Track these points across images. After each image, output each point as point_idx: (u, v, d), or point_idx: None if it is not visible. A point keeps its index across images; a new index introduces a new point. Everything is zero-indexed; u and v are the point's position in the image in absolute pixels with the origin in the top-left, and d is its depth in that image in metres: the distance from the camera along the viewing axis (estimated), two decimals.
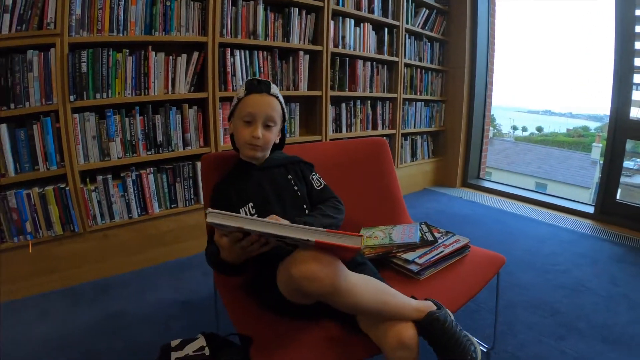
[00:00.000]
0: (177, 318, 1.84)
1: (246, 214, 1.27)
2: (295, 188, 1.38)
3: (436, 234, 1.59)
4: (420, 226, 1.65)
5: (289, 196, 1.35)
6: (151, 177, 2.29)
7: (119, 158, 2.18)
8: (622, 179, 3.39)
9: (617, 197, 3.41)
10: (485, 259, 1.53)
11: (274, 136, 1.36)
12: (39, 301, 1.95)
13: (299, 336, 1.11)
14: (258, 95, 1.30)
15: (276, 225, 0.93)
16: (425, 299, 1.13)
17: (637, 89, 3.19)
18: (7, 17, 1.82)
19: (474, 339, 1.08)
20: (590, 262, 2.54)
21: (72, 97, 1.99)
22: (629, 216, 3.30)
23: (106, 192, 2.14)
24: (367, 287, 1.04)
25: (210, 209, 0.91)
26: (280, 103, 1.36)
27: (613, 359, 1.62)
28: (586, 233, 3.12)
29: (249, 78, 1.31)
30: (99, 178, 2.12)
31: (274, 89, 1.35)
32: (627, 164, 3.45)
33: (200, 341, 1.11)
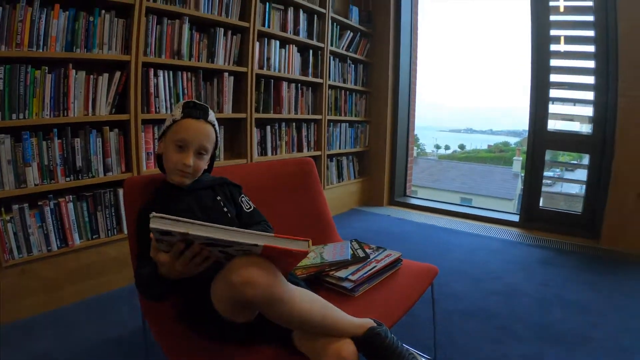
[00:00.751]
0: (107, 355, 1.90)
1: None
2: (225, 209, 1.48)
3: (367, 250, 1.78)
4: (351, 243, 1.84)
5: (219, 218, 1.43)
6: (70, 205, 2.34)
7: (35, 185, 2.22)
8: (545, 188, 3.97)
9: (540, 204, 3.97)
10: (418, 271, 1.73)
11: (204, 164, 1.46)
12: None
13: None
14: (194, 121, 1.39)
15: (224, 230, 0.98)
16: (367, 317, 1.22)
17: (552, 103, 3.79)
18: None
19: (416, 352, 1.20)
20: (520, 268, 2.95)
21: None
22: (552, 221, 3.89)
23: (23, 222, 2.16)
24: (305, 298, 1.13)
25: (153, 213, 0.94)
26: (216, 131, 1.48)
27: (553, 355, 1.89)
28: (514, 240, 3.60)
29: (189, 100, 1.45)
30: (15, 207, 2.14)
31: (211, 115, 1.46)
32: (547, 173, 4.02)
33: None
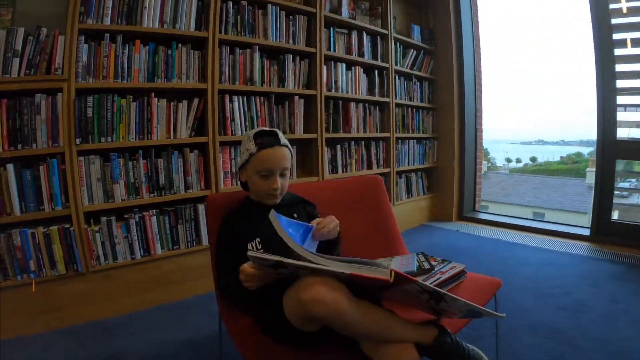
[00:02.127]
0: (180, 357, 1.86)
1: (253, 248, 1.36)
2: None
3: (433, 262, 1.66)
4: (417, 256, 1.71)
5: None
6: (154, 218, 2.35)
7: (122, 200, 2.25)
8: (620, 200, 3.49)
9: (614, 217, 3.49)
10: (481, 283, 1.59)
11: (287, 181, 1.46)
12: (40, 339, 1.97)
13: None
14: (271, 150, 1.38)
15: (314, 260, 1.01)
16: (426, 321, 1.17)
17: (625, 110, 3.34)
18: (16, 61, 1.94)
19: (479, 350, 1.14)
20: (590, 283, 2.60)
21: (77, 140, 2.08)
22: (626, 234, 3.38)
23: (110, 233, 2.20)
24: (370, 311, 1.09)
25: (250, 250, 1.02)
26: (290, 150, 1.45)
27: None
28: (584, 255, 3.20)
29: (255, 129, 1.44)
30: (103, 219, 2.18)
31: (282, 138, 1.43)
32: (622, 184, 3.56)
33: None
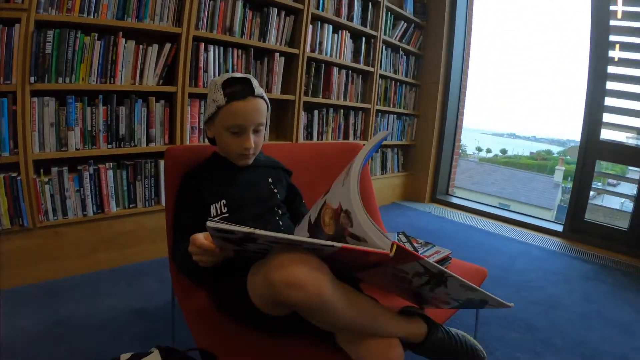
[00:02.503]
0: (129, 327, 1.76)
1: (217, 211, 1.22)
2: (275, 190, 1.36)
3: (415, 245, 1.60)
4: (398, 235, 1.64)
5: (265, 199, 1.32)
6: (110, 172, 2.21)
7: (77, 149, 2.10)
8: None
9: (585, 216, 3.57)
10: (468, 272, 1.54)
11: (262, 138, 1.31)
12: None
13: (269, 352, 1.06)
14: (243, 102, 1.20)
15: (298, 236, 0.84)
16: (407, 308, 1.09)
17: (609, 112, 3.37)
18: None
19: (466, 334, 1.09)
20: (563, 280, 2.65)
21: (32, 79, 1.89)
22: (597, 234, 3.48)
23: (61, 185, 2.05)
24: (355, 299, 0.96)
25: (210, 219, 0.79)
26: (266, 102, 1.29)
27: None
28: (556, 251, 3.26)
29: (223, 76, 1.24)
30: (54, 170, 2.03)
31: (257, 87, 1.25)
32: (594, 184, 3.65)
33: (155, 356, 1.01)
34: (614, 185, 5.55)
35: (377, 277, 1.05)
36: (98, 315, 1.82)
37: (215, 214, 1.22)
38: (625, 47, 3.25)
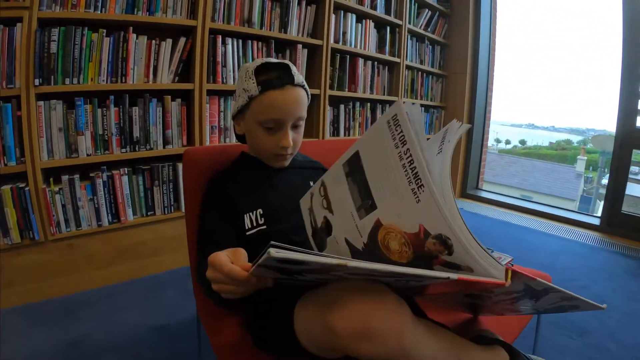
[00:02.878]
0: (151, 347, 1.60)
1: (252, 223, 1.00)
2: None
3: None
4: None
5: None
6: (125, 178, 2.04)
7: (88, 155, 1.93)
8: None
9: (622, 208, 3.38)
10: None
11: (301, 135, 1.10)
12: None
13: None
14: (280, 92, 0.99)
15: (400, 267, 0.58)
16: (482, 334, 0.93)
17: None
18: None
19: None
20: (607, 277, 2.49)
21: (37, 81, 1.74)
22: (636, 227, 3.26)
23: (72, 194, 1.88)
24: (435, 339, 0.75)
25: (273, 243, 0.52)
26: (307, 92, 1.07)
27: None
28: (596, 246, 3.07)
29: (256, 61, 1.02)
30: (65, 178, 1.87)
31: (297, 74, 1.03)
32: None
33: None
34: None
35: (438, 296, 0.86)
36: (116, 334, 1.67)
37: (250, 226, 1.01)
38: None
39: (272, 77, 1.00)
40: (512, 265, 1.39)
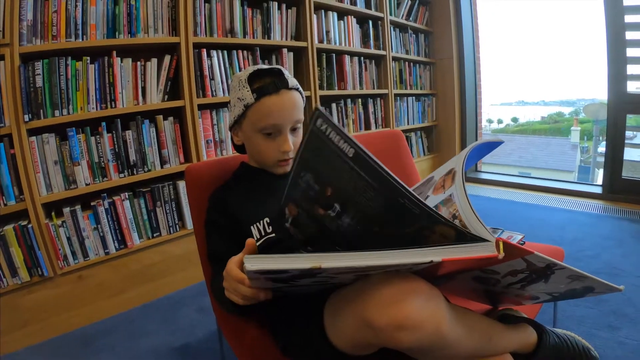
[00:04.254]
0: None
1: (260, 233, 0.97)
2: None
3: None
4: None
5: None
6: (127, 203, 2.01)
7: (87, 184, 1.91)
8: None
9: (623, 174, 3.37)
10: (546, 254, 1.34)
11: (301, 138, 1.08)
12: None
13: None
14: (276, 98, 0.98)
15: (381, 254, 0.59)
16: (507, 312, 0.96)
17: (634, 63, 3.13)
18: None
19: (574, 334, 0.98)
20: (616, 244, 2.48)
21: (27, 117, 1.71)
22: (638, 192, 3.27)
23: (76, 226, 1.85)
24: (472, 323, 0.78)
25: (247, 256, 0.57)
26: (302, 94, 1.06)
27: None
28: (601, 214, 3.08)
29: (249, 69, 1.01)
30: (66, 210, 1.84)
31: (290, 78, 1.02)
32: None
33: None
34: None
35: (452, 284, 0.85)
36: (141, 359, 1.63)
37: (259, 237, 0.97)
38: None
39: (266, 83, 0.98)
40: (524, 243, 1.38)
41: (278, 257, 0.56)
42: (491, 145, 0.89)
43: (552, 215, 3.08)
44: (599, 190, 3.47)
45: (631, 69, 3.14)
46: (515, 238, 1.37)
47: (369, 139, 1.77)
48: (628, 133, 3.57)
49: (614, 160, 3.35)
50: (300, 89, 1.06)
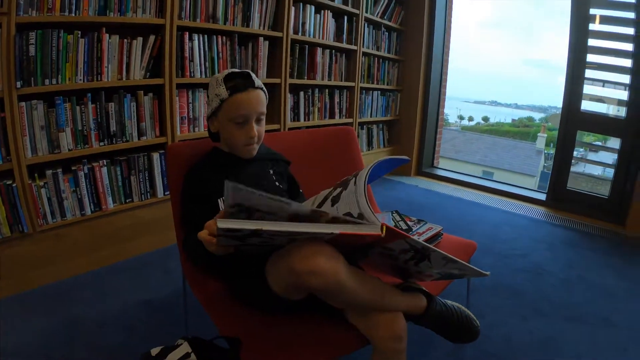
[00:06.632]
0: (140, 320, 1.81)
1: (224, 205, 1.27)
2: (277, 183, 1.44)
3: (409, 222, 1.69)
4: (392, 214, 1.73)
5: (270, 190, 1.35)
6: (104, 170, 2.22)
7: (69, 150, 2.10)
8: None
9: (567, 185, 3.67)
10: (458, 246, 1.65)
11: (264, 127, 1.39)
12: None
13: (289, 333, 1.15)
14: (245, 94, 1.29)
15: (299, 224, 0.90)
16: (407, 283, 1.22)
17: (591, 84, 3.44)
18: None
19: (461, 306, 1.23)
20: (546, 247, 2.78)
21: (18, 84, 1.87)
22: (579, 202, 3.59)
23: (56, 187, 2.05)
24: (365, 280, 1.07)
25: (218, 219, 0.84)
26: (265, 93, 1.37)
27: (576, 335, 1.81)
28: (540, 219, 3.38)
29: (224, 72, 1.32)
30: (49, 172, 2.02)
31: (257, 80, 1.34)
32: (577, 150, 3.75)
33: (184, 347, 1.08)
34: (596, 151, 5.61)
35: (373, 257, 1.15)
36: (109, 312, 1.86)
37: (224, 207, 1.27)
38: (604, 20, 3.31)
39: (238, 83, 1.29)
40: (442, 234, 1.67)
41: (237, 221, 0.85)
42: (396, 162, 1.20)
43: (492, 215, 3.39)
44: (543, 197, 3.80)
45: (587, 89, 3.46)
46: (435, 229, 1.65)
47: (317, 135, 2.01)
48: (580, 149, 3.91)
49: (560, 170, 3.67)
50: (264, 88, 1.36)
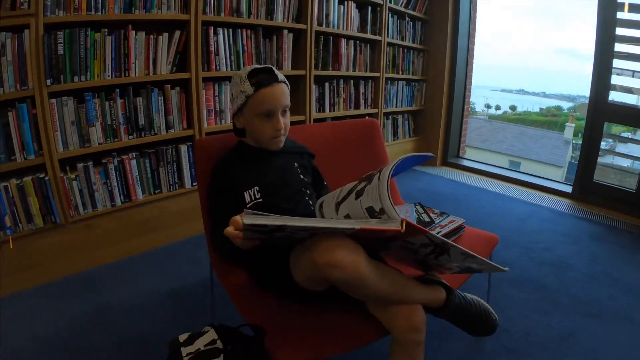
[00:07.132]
0: (167, 308, 1.85)
1: (251, 198, 1.30)
2: (302, 176, 1.44)
3: (432, 215, 1.66)
4: (415, 207, 1.70)
5: (295, 183, 1.39)
6: (134, 162, 2.25)
7: (99, 144, 2.14)
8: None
9: (594, 177, 3.55)
10: (480, 239, 1.62)
11: (289, 120, 1.39)
12: (22, 298, 1.90)
13: (311, 322, 1.16)
14: (269, 89, 1.29)
15: (322, 220, 0.92)
16: (427, 276, 1.21)
17: (620, 74, 3.28)
18: None
19: (480, 299, 1.22)
20: (572, 241, 2.68)
21: (48, 81, 1.91)
22: (605, 195, 3.46)
23: (87, 180, 2.09)
24: (386, 273, 1.07)
25: (245, 210, 0.89)
26: (288, 86, 1.37)
27: (598, 331, 1.75)
28: (565, 212, 3.27)
29: (246, 68, 1.32)
30: (80, 165, 2.07)
31: (279, 74, 1.34)
32: (604, 141, 3.61)
33: (211, 334, 1.12)
34: (624, 143, 5.38)
35: (394, 250, 1.15)
36: (137, 300, 1.90)
37: (249, 200, 1.30)
38: (633, 8, 3.15)
39: (262, 78, 1.29)
40: (465, 227, 1.64)
41: (262, 217, 0.87)
42: (420, 159, 1.19)
43: (517, 207, 3.30)
44: (569, 189, 3.67)
45: (615, 79, 3.30)
46: (457, 222, 1.62)
47: (343, 126, 2.01)
48: (607, 140, 3.77)
49: (587, 163, 3.54)
50: (286, 81, 1.36)
